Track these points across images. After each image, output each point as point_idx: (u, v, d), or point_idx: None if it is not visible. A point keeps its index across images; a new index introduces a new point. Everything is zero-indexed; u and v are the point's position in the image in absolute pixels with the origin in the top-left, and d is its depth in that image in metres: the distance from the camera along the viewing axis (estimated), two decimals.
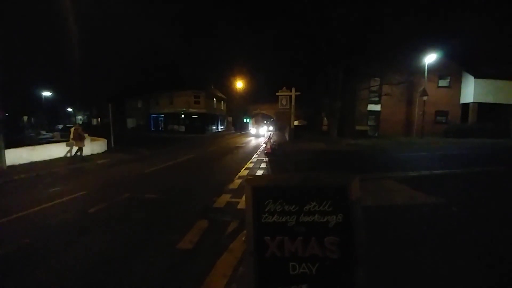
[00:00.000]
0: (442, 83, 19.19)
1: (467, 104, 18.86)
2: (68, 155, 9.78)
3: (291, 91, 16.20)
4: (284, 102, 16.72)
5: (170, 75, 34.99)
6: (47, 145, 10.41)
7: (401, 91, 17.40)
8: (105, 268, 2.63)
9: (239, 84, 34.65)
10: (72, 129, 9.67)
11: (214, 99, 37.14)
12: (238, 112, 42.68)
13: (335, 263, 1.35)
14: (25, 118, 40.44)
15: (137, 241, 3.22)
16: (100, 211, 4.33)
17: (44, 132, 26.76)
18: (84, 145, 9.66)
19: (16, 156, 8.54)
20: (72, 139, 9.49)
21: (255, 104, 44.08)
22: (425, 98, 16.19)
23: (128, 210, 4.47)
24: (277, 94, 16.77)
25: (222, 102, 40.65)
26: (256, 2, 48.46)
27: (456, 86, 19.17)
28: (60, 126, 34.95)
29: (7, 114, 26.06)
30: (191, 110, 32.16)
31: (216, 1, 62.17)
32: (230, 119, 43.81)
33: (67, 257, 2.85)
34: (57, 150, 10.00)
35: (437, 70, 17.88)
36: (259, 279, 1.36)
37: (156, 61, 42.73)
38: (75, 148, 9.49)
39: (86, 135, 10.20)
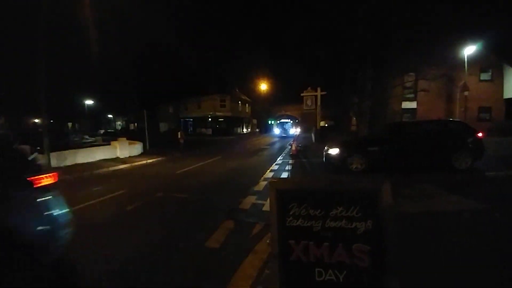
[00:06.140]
0: (484, 76, 17.36)
1: (511, 99, 16.78)
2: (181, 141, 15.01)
3: (316, 91, 15.85)
4: (309, 103, 16.43)
5: (197, 80, 36.52)
6: (90, 148, 11.57)
7: (439, 86, 15.90)
8: (138, 262, 2.83)
9: (263, 86, 34.82)
10: (178, 133, 15.24)
11: (239, 102, 37.84)
12: (262, 114, 42.86)
13: (364, 271, 1.29)
14: (70, 124, 45.42)
15: (169, 237, 3.42)
16: (136, 209, 4.69)
17: (87, 137, 29.73)
18: (183, 140, 14.99)
19: (61, 158, 9.42)
20: (179, 138, 14.91)
21: (279, 105, 43.83)
22: (466, 93, 14.60)
23: (161, 208, 4.77)
24: (301, 95, 16.49)
25: (247, 104, 41.21)
26: (279, 2, 48.36)
27: (498, 79, 17.32)
28: (102, 131, 38.52)
29: (51, 121, 29.59)
30: (217, 113, 33.18)
31: (239, 4, 63.46)
32: (255, 121, 44.18)
33: (104, 251, 3.13)
34: (99, 153, 11.05)
35: (477, 63, 16.19)
36: (284, 283, 1.36)
37: (184, 67, 44.90)
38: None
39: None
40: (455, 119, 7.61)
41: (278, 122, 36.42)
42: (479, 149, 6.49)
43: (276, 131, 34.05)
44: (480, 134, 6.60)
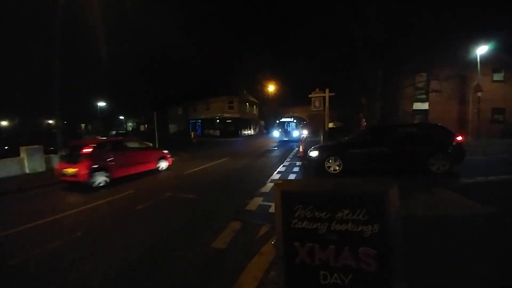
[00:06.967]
0: (497, 77, 16.91)
1: None
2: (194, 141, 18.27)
3: (324, 92, 15.64)
4: (317, 104, 16.21)
5: (206, 82, 37.00)
6: None
7: (451, 87, 15.45)
8: (144, 261, 2.89)
9: (271, 88, 34.82)
10: (192, 134, 18.56)
11: (247, 103, 37.97)
12: (270, 116, 42.82)
13: (370, 276, 1.27)
14: (83, 125, 46.94)
15: (176, 237, 3.47)
16: (146, 208, 4.79)
17: (99, 137, 30.45)
18: (196, 140, 18.28)
19: None
20: (192, 139, 18.03)
21: (287, 107, 43.64)
22: (479, 94, 14.11)
23: (169, 208, 4.85)
24: (309, 96, 16.33)
25: (254, 106, 41.30)
26: (287, 4, 48.41)
27: (511, 80, 16.76)
28: (114, 132, 39.57)
29: (65, 122, 30.64)
30: (225, 115, 33.40)
31: (246, 6, 63.94)
32: (262, 122, 44.19)
33: (112, 250, 3.21)
34: None
35: (490, 63, 15.70)
36: (288, 285, 1.35)
37: (193, 69, 45.62)
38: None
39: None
40: (436, 123, 7.59)
41: (278, 121, 27.05)
42: (459, 153, 6.45)
43: (276, 133, 25.63)
44: (459, 138, 6.57)
